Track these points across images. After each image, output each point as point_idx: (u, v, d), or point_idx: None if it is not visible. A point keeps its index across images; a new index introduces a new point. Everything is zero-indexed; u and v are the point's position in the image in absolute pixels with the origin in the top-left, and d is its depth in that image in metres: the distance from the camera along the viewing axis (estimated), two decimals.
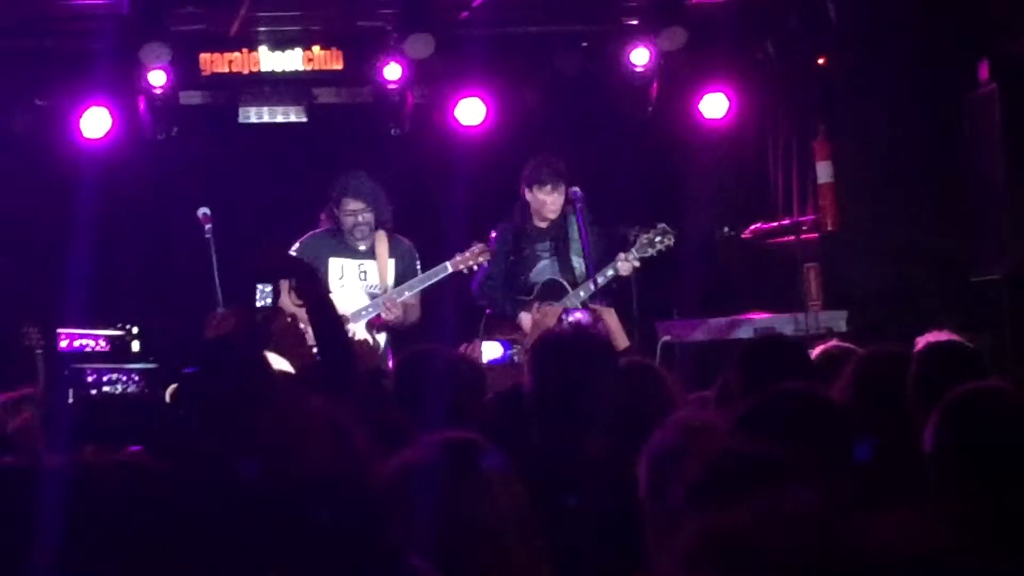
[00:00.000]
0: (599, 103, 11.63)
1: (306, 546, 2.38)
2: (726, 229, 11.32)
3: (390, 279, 9.70)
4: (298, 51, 11.20)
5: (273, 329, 5.18)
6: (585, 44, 11.65)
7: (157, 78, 10.64)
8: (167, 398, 7.58)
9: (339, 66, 11.27)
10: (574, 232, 9.86)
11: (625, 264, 9.69)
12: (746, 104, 11.53)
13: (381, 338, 9.67)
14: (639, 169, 11.30)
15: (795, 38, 11.31)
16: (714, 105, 11.43)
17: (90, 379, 9.23)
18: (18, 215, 10.80)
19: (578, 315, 9.29)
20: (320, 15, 11.23)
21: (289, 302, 4.97)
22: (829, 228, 11.20)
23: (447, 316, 9.60)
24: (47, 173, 10.88)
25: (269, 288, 4.89)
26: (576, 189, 9.61)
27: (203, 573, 2.33)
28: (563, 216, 9.92)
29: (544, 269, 9.90)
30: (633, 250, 9.74)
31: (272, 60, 11.18)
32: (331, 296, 9.43)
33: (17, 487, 2.30)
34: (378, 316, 9.57)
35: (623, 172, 11.03)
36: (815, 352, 6.71)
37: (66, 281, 9.66)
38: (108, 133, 10.93)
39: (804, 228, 11.10)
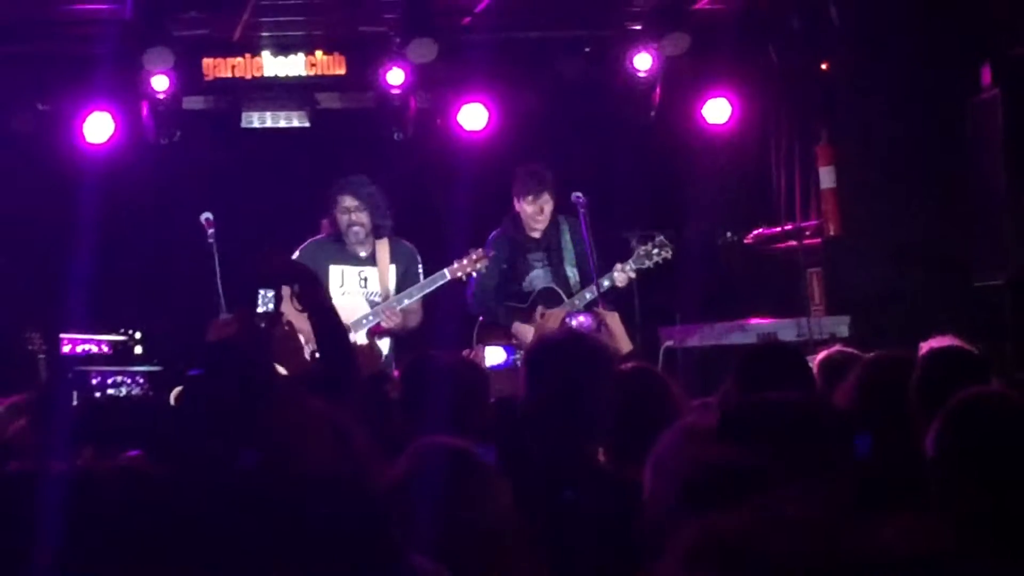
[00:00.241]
0: (602, 108, 11.63)
1: (307, 546, 2.38)
2: (729, 234, 11.31)
3: (391, 285, 9.69)
4: (301, 56, 11.20)
5: (273, 335, 5.18)
6: (588, 49, 11.65)
7: (160, 83, 10.65)
8: (172, 401, 7.58)
9: (342, 71, 11.28)
10: (567, 242, 9.87)
11: (621, 275, 9.69)
12: (749, 109, 11.53)
13: (384, 344, 9.67)
14: (642, 174, 11.29)
15: (798, 43, 11.30)
16: (717, 110, 11.44)
17: (94, 382, 9.22)
18: (21, 219, 10.81)
19: (582, 319, 9.29)
20: (323, 20, 11.24)
21: (290, 309, 4.96)
22: (832, 233, 11.20)
23: (451, 321, 9.59)
24: (50, 177, 10.89)
25: (271, 293, 4.90)
26: (579, 194, 9.61)
27: (204, 575, 2.33)
28: (555, 225, 9.93)
29: (537, 278, 9.90)
30: (630, 261, 9.74)
31: (275, 65, 11.19)
32: (346, 293, 9.53)
33: (17, 492, 2.30)
34: (378, 324, 9.56)
35: (625, 177, 11.02)
36: (818, 357, 6.71)
37: (69, 286, 9.66)
38: (111, 138, 10.94)
39: (807, 233, 11.10)
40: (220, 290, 9.40)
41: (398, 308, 9.56)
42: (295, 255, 9.43)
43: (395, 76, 10.94)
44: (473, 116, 11.26)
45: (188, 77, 10.91)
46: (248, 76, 11.20)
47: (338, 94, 11.55)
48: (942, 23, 10.82)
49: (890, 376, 5.19)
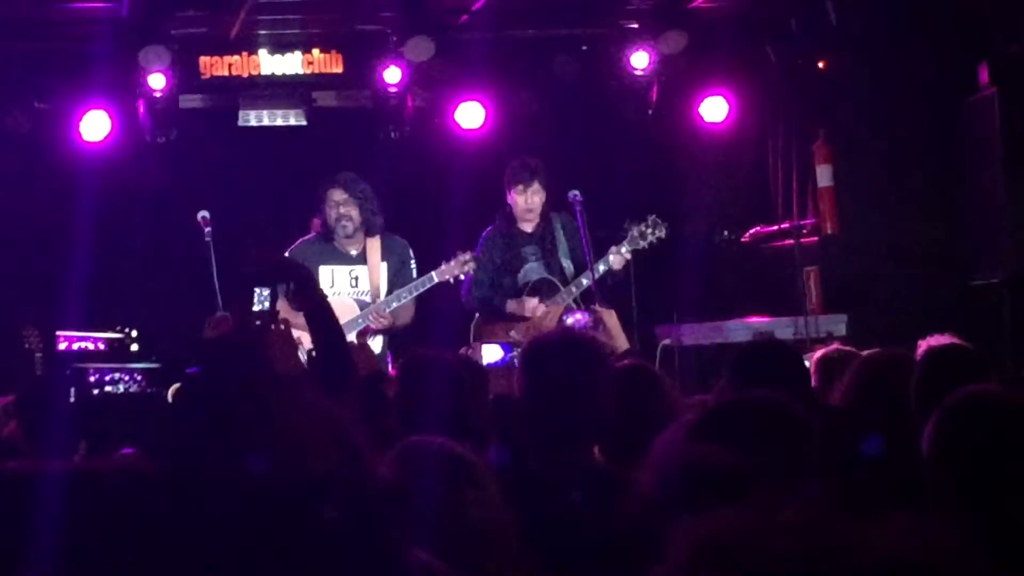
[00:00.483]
0: (599, 107, 11.63)
1: (310, 544, 2.38)
2: (726, 232, 11.32)
3: (382, 284, 9.66)
4: (298, 54, 11.19)
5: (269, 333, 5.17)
6: (585, 48, 11.65)
7: (157, 81, 10.64)
8: (169, 397, 7.59)
9: (339, 69, 11.27)
10: (560, 234, 9.87)
11: (617, 257, 9.68)
12: (746, 108, 11.53)
13: (376, 343, 9.65)
14: (638, 172, 11.30)
15: (795, 42, 11.31)
16: (714, 109, 11.44)
17: (92, 379, 9.22)
18: (17, 217, 10.80)
19: (579, 316, 9.29)
20: (320, 18, 11.23)
21: (284, 309, 4.96)
22: (829, 232, 11.21)
23: (446, 319, 9.59)
24: (47, 176, 10.89)
25: (267, 292, 4.89)
26: (575, 192, 9.61)
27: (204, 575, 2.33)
28: (548, 219, 9.93)
29: (531, 271, 9.90)
30: (625, 243, 9.74)
31: (272, 63, 11.18)
32: (337, 293, 9.51)
33: (10, 491, 2.29)
34: (367, 326, 9.52)
35: (623, 176, 11.02)
36: (815, 356, 6.72)
37: (66, 284, 9.66)
38: (108, 136, 10.93)
39: (804, 231, 11.11)
40: (217, 288, 9.39)
41: (387, 311, 9.54)
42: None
43: (392, 74, 10.94)
44: (470, 114, 11.26)
45: (185, 75, 10.90)
46: (245, 74, 11.19)
47: (335, 92, 11.55)
48: (939, 22, 10.83)
49: (886, 374, 5.19)
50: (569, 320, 9.27)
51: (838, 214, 11.19)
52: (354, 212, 9.61)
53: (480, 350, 9.28)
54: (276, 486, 2.42)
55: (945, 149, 10.93)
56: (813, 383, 6.01)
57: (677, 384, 8.33)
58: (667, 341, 10.22)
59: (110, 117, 10.91)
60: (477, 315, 9.92)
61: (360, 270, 9.68)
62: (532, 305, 9.72)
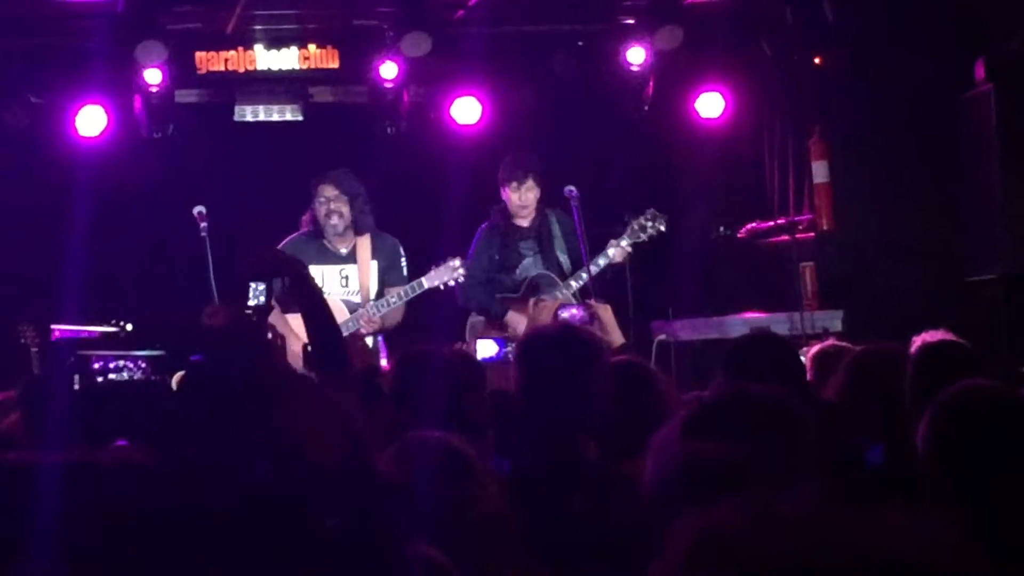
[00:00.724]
0: (595, 102, 11.63)
1: (311, 541, 2.38)
2: (722, 228, 11.31)
3: (372, 283, 9.64)
4: (294, 50, 11.19)
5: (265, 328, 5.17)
6: (581, 43, 11.64)
7: (153, 76, 10.64)
8: (173, 385, 7.57)
9: (335, 65, 11.27)
10: (556, 229, 9.87)
11: (618, 250, 9.69)
12: (742, 103, 11.53)
13: (368, 337, 9.63)
14: (634, 168, 11.30)
15: (791, 37, 11.32)
16: (710, 104, 11.44)
17: (96, 366, 9.20)
18: (13, 213, 10.80)
19: (574, 311, 9.28)
20: (316, 13, 11.23)
21: (275, 314, 4.96)
22: (825, 227, 11.21)
23: (441, 314, 9.59)
24: (43, 171, 10.88)
25: (262, 286, 4.89)
26: (571, 188, 9.60)
27: (204, 572, 2.33)
28: (544, 214, 9.93)
29: (529, 267, 9.90)
30: (625, 236, 9.74)
31: (268, 58, 11.17)
32: (325, 294, 9.48)
33: (9, 484, 2.30)
34: (358, 329, 9.49)
35: (619, 171, 11.02)
36: (811, 351, 6.73)
37: (62, 279, 9.65)
38: (104, 131, 10.93)
39: (800, 227, 11.11)
40: (213, 283, 9.39)
41: (377, 316, 9.53)
42: None
43: (388, 70, 10.94)
44: (466, 110, 11.25)
45: (181, 70, 10.89)
46: (241, 69, 11.18)
47: (331, 88, 11.55)
48: (936, 18, 10.83)
49: (880, 369, 5.19)
50: (565, 315, 9.26)
51: (834, 210, 11.20)
52: (344, 209, 9.58)
53: (475, 345, 9.28)
54: (279, 482, 2.42)
55: (942, 145, 10.94)
56: (808, 378, 6.01)
57: (672, 380, 8.33)
58: (663, 337, 10.22)
59: (106, 112, 10.91)
60: (472, 314, 9.92)
61: (350, 269, 9.65)
62: (538, 303, 9.73)
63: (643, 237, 9.77)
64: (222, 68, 11.16)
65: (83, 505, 2.24)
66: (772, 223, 11.35)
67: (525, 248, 9.93)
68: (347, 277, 9.65)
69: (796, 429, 3.35)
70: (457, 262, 9.51)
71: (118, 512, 2.25)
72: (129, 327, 9.37)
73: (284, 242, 9.60)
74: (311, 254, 9.41)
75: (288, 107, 11.40)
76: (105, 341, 9.31)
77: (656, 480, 3.10)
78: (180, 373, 8.21)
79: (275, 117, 11.42)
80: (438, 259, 9.60)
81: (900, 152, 11.11)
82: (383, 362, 9.22)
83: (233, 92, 11.36)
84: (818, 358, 6.45)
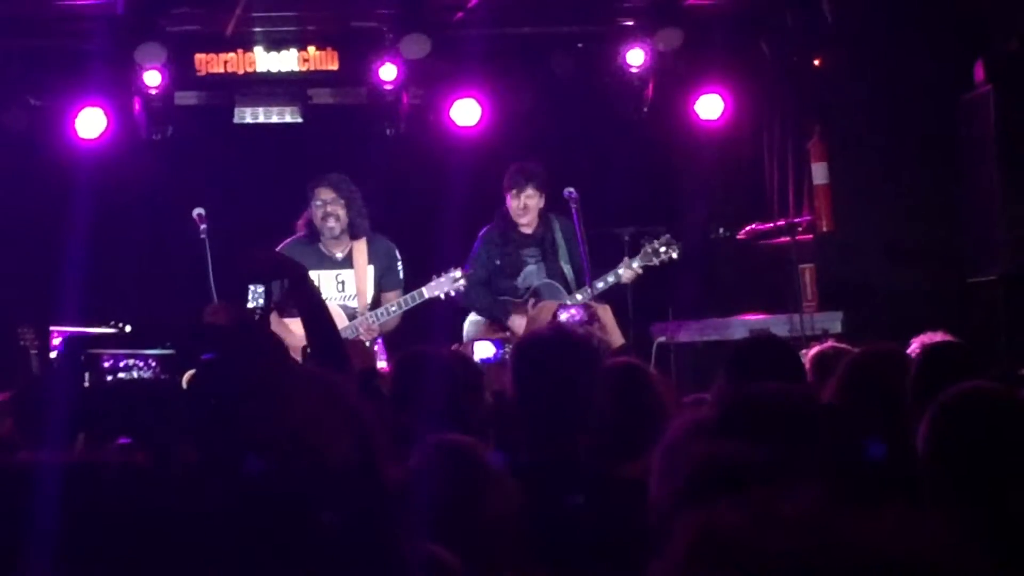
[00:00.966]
0: (594, 104, 11.63)
1: (311, 540, 2.38)
2: (721, 230, 11.31)
3: (369, 287, 9.63)
4: (293, 51, 11.19)
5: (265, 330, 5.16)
6: (581, 45, 11.64)
7: (152, 78, 10.63)
8: (184, 384, 7.56)
9: (334, 67, 11.27)
10: (560, 238, 9.88)
11: (628, 271, 9.71)
12: (742, 105, 11.53)
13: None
14: (634, 170, 11.29)
15: (791, 39, 11.32)
16: (710, 106, 11.44)
17: (106, 364, 9.19)
18: (13, 215, 10.80)
19: (574, 311, 9.28)
20: (316, 15, 11.23)
21: (273, 316, 4.95)
22: (824, 229, 11.21)
23: (439, 315, 9.58)
24: (42, 173, 10.88)
25: (261, 289, 4.89)
26: (571, 190, 9.61)
27: (204, 572, 2.32)
28: (547, 221, 9.93)
29: (531, 274, 9.90)
30: (638, 258, 9.76)
31: (267, 60, 11.18)
32: (324, 298, 9.47)
33: (8, 486, 2.29)
34: (356, 336, 9.48)
35: (618, 173, 11.02)
36: (810, 353, 6.72)
37: (61, 281, 9.64)
38: (103, 133, 10.93)
39: (799, 229, 11.10)
40: (212, 285, 9.38)
41: (376, 325, 9.52)
42: None
43: (388, 72, 10.93)
44: (466, 112, 11.25)
45: (180, 72, 10.89)
46: (240, 71, 11.18)
47: (331, 89, 11.55)
48: (935, 19, 10.84)
49: (877, 370, 5.19)
50: (564, 315, 9.26)
51: (834, 211, 11.20)
52: (341, 212, 9.57)
53: (472, 347, 9.28)
54: (280, 479, 2.42)
55: (941, 146, 10.94)
56: (808, 380, 6.01)
57: (672, 382, 8.32)
58: (663, 338, 10.23)
59: (106, 114, 10.90)
60: (471, 313, 9.92)
61: (347, 274, 9.64)
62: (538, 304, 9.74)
63: (655, 261, 9.79)
64: (221, 70, 11.16)
65: (83, 505, 2.24)
66: (772, 224, 11.35)
67: (527, 255, 9.93)
68: (343, 282, 9.64)
69: (815, 429, 3.36)
70: (458, 273, 9.49)
71: (118, 512, 2.25)
72: (128, 328, 9.37)
73: (280, 247, 9.57)
74: (307, 258, 9.37)
75: (287, 109, 11.40)
76: (114, 340, 9.32)
77: (665, 482, 3.09)
78: (191, 372, 8.20)
79: (274, 119, 11.42)
80: (437, 262, 9.59)
81: (899, 153, 11.11)
82: (382, 364, 9.21)
83: (233, 94, 11.36)
84: (817, 360, 6.45)
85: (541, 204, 9.89)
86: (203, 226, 9.65)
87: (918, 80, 10.96)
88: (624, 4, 11.37)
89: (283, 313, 7.91)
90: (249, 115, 11.39)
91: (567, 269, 9.88)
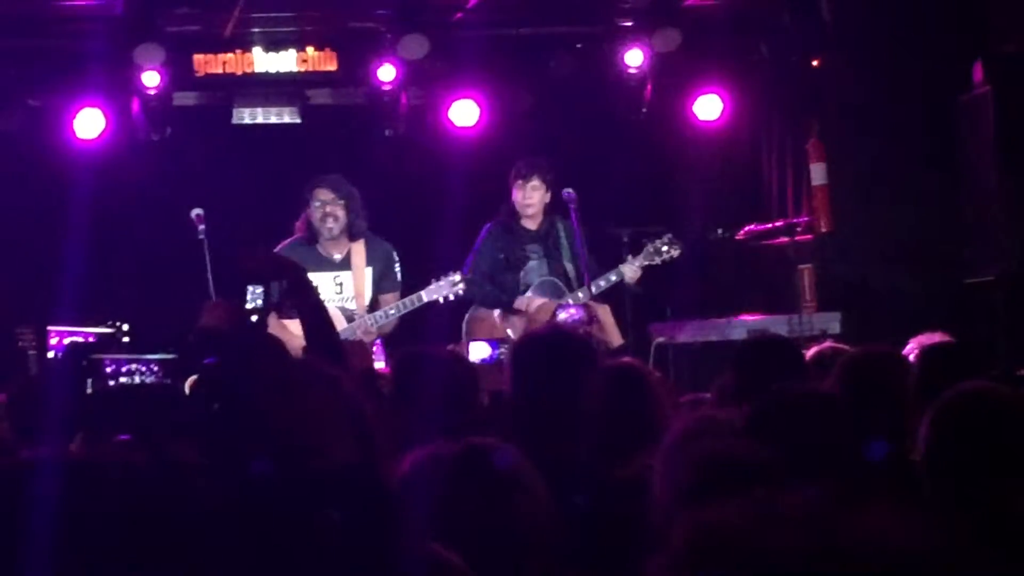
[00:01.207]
0: (593, 105, 11.63)
1: (314, 541, 2.37)
2: (720, 230, 11.31)
3: (367, 289, 9.61)
4: (292, 52, 11.19)
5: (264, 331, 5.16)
6: (579, 45, 11.65)
7: (151, 79, 10.64)
8: (187, 389, 7.56)
9: (333, 67, 11.27)
10: (563, 237, 9.87)
11: (631, 270, 9.70)
12: (740, 105, 11.54)
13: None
14: (633, 170, 11.30)
15: (789, 39, 11.32)
16: (708, 106, 11.44)
17: (108, 369, 9.19)
18: (11, 215, 10.79)
19: (572, 311, 9.28)
20: (314, 16, 11.23)
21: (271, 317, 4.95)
22: (823, 229, 11.21)
23: (437, 315, 9.58)
24: (40, 174, 10.88)
25: (260, 289, 4.88)
26: (569, 190, 9.61)
27: (205, 571, 2.32)
28: (552, 220, 9.93)
29: (533, 270, 9.90)
30: (640, 257, 9.76)
31: (266, 61, 11.17)
32: (322, 299, 9.45)
33: (5, 485, 2.29)
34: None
35: (617, 174, 11.03)
36: (809, 353, 6.72)
37: (60, 282, 9.63)
38: (102, 134, 10.92)
39: (798, 229, 11.11)
40: (211, 286, 9.38)
41: (374, 328, 9.51)
42: None
43: (386, 72, 10.93)
44: (464, 112, 11.25)
45: (179, 73, 10.89)
46: (239, 72, 11.18)
47: (329, 90, 11.55)
48: (933, 20, 10.83)
49: (873, 370, 5.20)
50: (563, 315, 9.26)
51: (832, 212, 11.19)
52: (340, 212, 9.55)
53: (468, 347, 9.28)
54: (281, 479, 2.42)
55: (939, 147, 10.93)
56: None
57: (671, 382, 8.32)
58: (661, 339, 10.23)
59: (104, 115, 10.90)
60: (469, 312, 9.91)
61: (344, 276, 9.62)
62: (537, 303, 9.73)
63: (656, 261, 9.79)
64: (220, 71, 11.16)
65: (83, 505, 2.23)
66: (770, 225, 11.35)
67: (531, 250, 9.93)
68: (341, 284, 9.62)
69: (837, 430, 3.36)
70: (457, 276, 9.47)
71: (118, 511, 2.24)
72: (125, 327, 9.36)
73: (278, 248, 9.57)
74: (305, 260, 9.35)
75: (286, 109, 11.40)
76: (116, 344, 9.31)
77: (667, 481, 3.09)
78: (193, 377, 8.20)
79: (273, 119, 11.42)
80: (436, 263, 9.59)
81: (898, 154, 11.10)
82: (380, 364, 9.21)
83: (231, 94, 11.36)
84: (816, 360, 6.46)
85: (546, 199, 9.88)
86: (201, 227, 9.64)
87: (917, 81, 10.96)
88: (622, 5, 11.37)
89: (282, 314, 7.90)
90: (248, 116, 11.39)
91: (570, 268, 9.87)
